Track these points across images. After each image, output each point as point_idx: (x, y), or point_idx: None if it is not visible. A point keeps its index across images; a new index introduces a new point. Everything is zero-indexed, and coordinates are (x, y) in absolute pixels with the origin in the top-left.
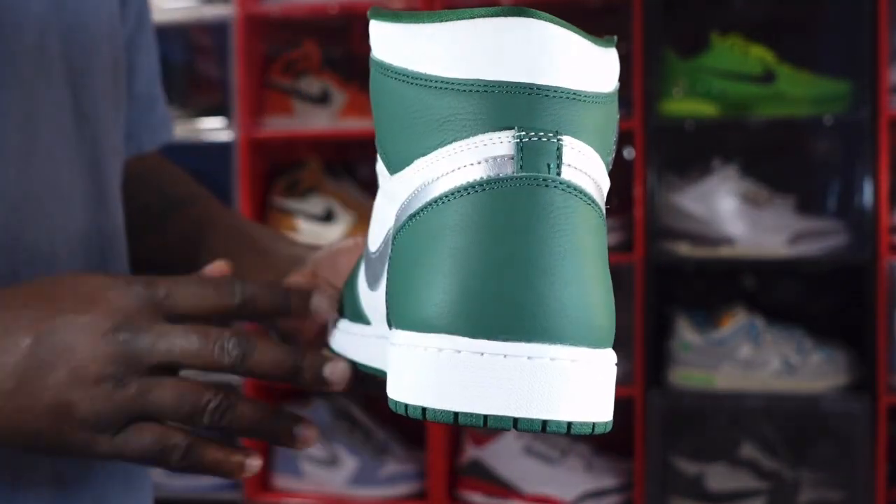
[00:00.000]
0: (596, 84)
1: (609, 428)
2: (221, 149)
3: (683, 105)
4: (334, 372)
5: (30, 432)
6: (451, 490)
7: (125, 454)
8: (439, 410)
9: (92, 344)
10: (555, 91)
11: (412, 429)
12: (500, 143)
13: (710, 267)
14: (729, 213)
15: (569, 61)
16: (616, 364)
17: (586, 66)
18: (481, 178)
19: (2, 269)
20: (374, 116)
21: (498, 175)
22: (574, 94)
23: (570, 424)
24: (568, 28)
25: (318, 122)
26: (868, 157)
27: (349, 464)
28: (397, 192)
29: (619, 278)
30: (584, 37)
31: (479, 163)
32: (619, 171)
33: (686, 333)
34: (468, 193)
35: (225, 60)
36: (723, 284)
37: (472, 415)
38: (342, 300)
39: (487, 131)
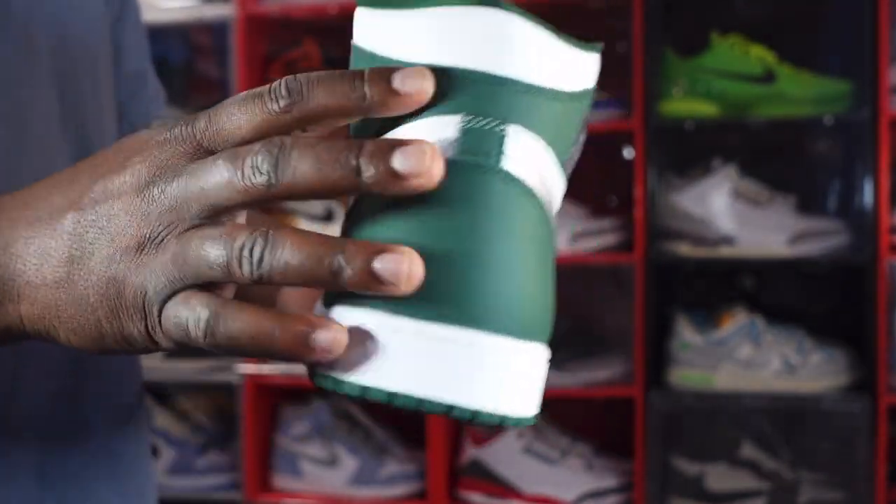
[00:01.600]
0: (557, 81)
1: (525, 423)
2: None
3: (683, 105)
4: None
5: (92, 328)
6: (451, 490)
7: (166, 337)
8: (347, 383)
9: (129, 205)
10: (508, 82)
11: (412, 429)
12: (447, 127)
13: (710, 267)
14: (729, 213)
15: (527, 54)
16: (547, 361)
17: (548, 62)
18: None
19: None
20: None
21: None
22: (527, 87)
23: (475, 413)
24: (536, 23)
25: None
26: (868, 157)
27: (349, 464)
28: None
29: (620, 278)
30: (557, 36)
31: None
32: (619, 171)
33: (686, 333)
34: None
35: (225, 60)
36: (723, 284)
37: (376, 390)
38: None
39: (439, 115)
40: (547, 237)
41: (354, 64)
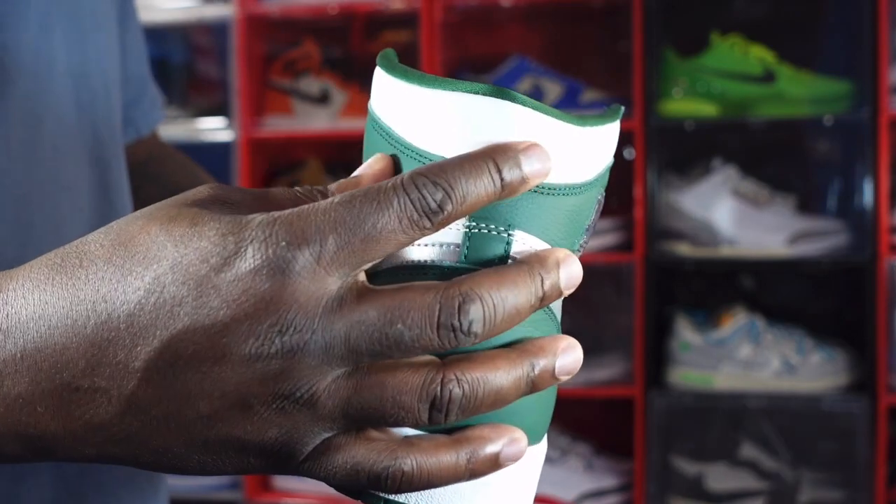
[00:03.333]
0: (565, 175)
1: None
2: (221, 149)
3: (683, 105)
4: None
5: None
6: None
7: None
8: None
9: (234, 369)
10: None
11: None
12: (450, 230)
13: (710, 267)
14: (729, 213)
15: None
16: (541, 453)
17: (556, 156)
18: (428, 260)
19: (10, 264)
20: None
21: (442, 262)
22: (535, 187)
23: None
24: (544, 112)
25: (318, 121)
26: (868, 157)
27: None
28: None
29: (620, 278)
30: (567, 119)
31: (430, 245)
32: (619, 171)
33: (686, 333)
34: (415, 273)
35: (225, 60)
36: (723, 284)
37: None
38: None
39: None
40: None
41: (371, 132)
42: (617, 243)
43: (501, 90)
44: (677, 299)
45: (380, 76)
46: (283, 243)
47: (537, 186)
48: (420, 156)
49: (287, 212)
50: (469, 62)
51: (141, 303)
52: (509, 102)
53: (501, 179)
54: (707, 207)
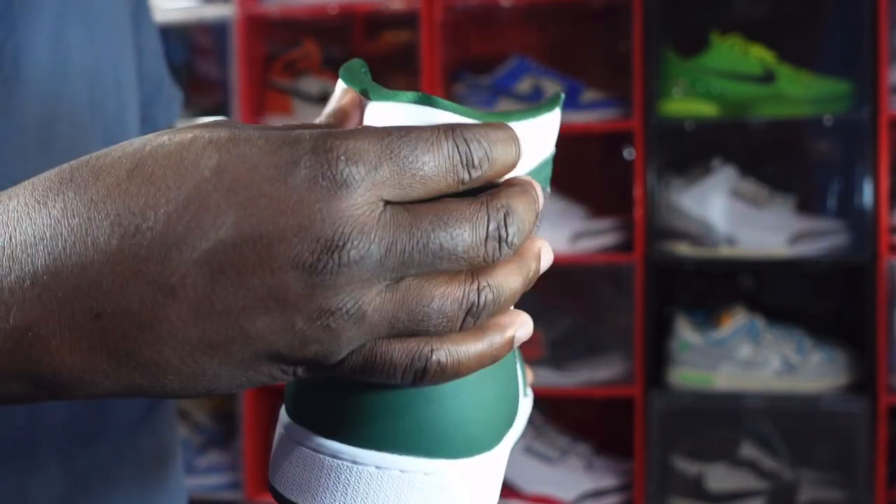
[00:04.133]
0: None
1: None
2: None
3: (683, 105)
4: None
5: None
6: None
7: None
8: (284, 498)
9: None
10: None
11: None
12: None
13: (709, 267)
14: (729, 213)
15: None
16: (494, 463)
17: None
18: None
19: None
20: None
21: None
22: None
23: None
24: (467, 115)
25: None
26: (868, 157)
27: None
28: None
29: (620, 278)
30: (493, 118)
31: None
32: (620, 171)
33: (686, 333)
34: None
35: (225, 60)
36: (723, 284)
37: None
38: None
39: None
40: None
41: None
42: (617, 243)
43: (427, 97)
44: (677, 299)
45: (339, 86)
46: (343, 157)
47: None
48: None
49: (342, 130)
50: (469, 62)
51: (179, 212)
52: (431, 108)
53: (518, 151)
54: (707, 207)
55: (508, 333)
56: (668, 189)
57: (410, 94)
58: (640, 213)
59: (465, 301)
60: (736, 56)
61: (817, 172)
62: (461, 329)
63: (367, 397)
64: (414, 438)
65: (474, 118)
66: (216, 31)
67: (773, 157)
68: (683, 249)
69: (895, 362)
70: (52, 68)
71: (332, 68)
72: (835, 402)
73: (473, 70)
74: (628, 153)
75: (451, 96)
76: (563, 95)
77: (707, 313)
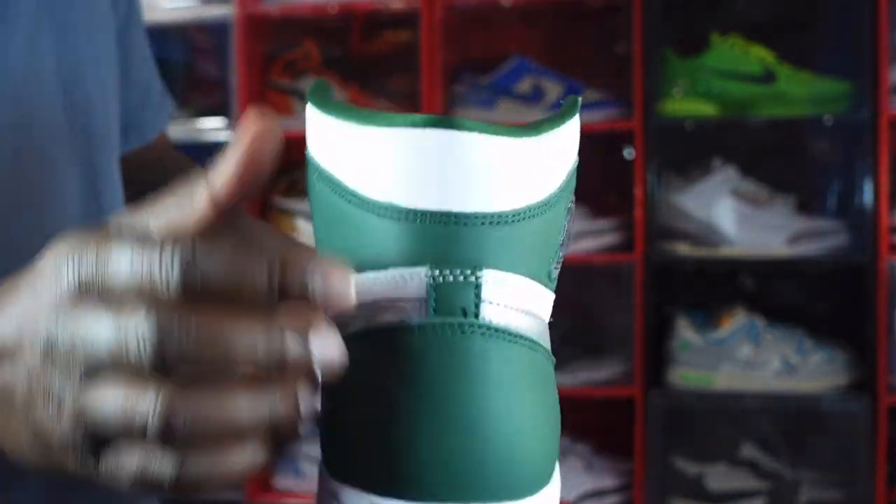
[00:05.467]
0: (527, 195)
1: None
2: (221, 149)
3: (683, 105)
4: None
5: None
6: None
7: (117, 482)
8: None
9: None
10: (472, 218)
11: None
12: (412, 282)
13: (710, 267)
14: (729, 213)
15: (490, 178)
16: (556, 495)
17: (514, 177)
18: (391, 322)
19: None
20: (310, 210)
21: (410, 322)
22: (497, 217)
23: None
24: (494, 133)
25: None
26: (868, 157)
27: None
28: None
29: (619, 278)
30: (520, 134)
31: (385, 303)
32: (619, 171)
33: (686, 333)
34: (378, 338)
35: (225, 60)
36: (723, 284)
37: None
38: None
39: (402, 266)
40: (543, 377)
41: (314, 182)
42: (617, 243)
43: (442, 119)
44: (677, 299)
45: (312, 114)
46: None
47: (500, 214)
48: (376, 207)
49: None
50: (469, 62)
51: None
52: (455, 131)
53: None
54: (707, 207)
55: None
56: (668, 189)
57: (421, 117)
58: (640, 213)
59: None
60: (736, 56)
61: (817, 172)
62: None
63: (418, 443)
64: (477, 483)
65: (500, 135)
66: (216, 31)
67: (773, 157)
68: (683, 249)
69: (895, 362)
70: (26, 74)
71: (331, 68)
72: (835, 402)
73: (473, 70)
74: (628, 153)
75: (451, 96)
76: (580, 100)
77: (707, 313)
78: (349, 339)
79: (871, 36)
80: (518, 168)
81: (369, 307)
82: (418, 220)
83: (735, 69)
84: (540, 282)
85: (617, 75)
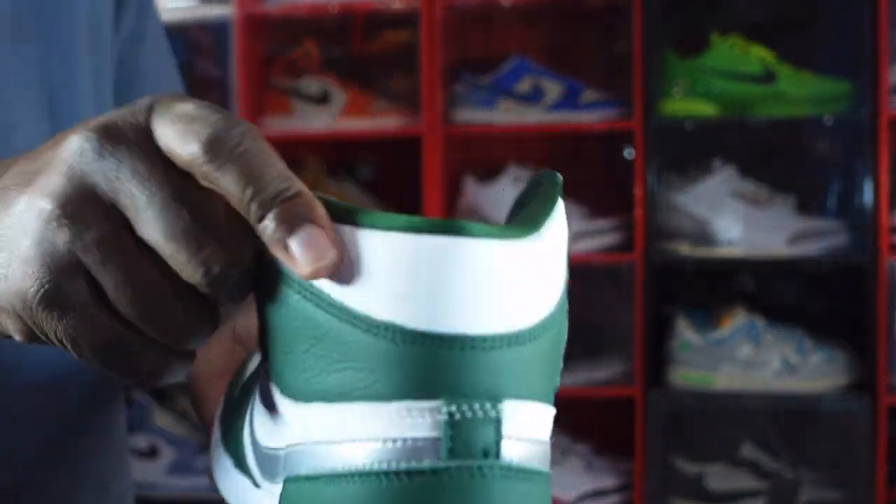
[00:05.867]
0: (539, 308)
1: None
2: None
3: (683, 105)
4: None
5: None
6: None
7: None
8: None
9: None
10: (489, 341)
11: None
12: (422, 420)
13: (710, 267)
14: (729, 213)
15: (503, 292)
16: None
17: (527, 286)
18: (392, 466)
19: None
20: (262, 319)
21: (418, 465)
22: (515, 338)
23: None
24: (502, 236)
25: (318, 122)
26: (868, 157)
27: None
28: (290, 420)
29: (619, 278)
30: (522, 233)
31: (391, 442)
32: (619, 172)
33: (686, 333)
34: (373, 482)
35: (225, 60)
36: (723, 284)
37: None
38: (223, 417)
39: (404, 398)
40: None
41: (281, 290)
42: (617, 243)
43: (446, 223)
44: (677, 299)
45: None
46: None
47: (515, 336)
48: (372, 325)
49: None
50: (469, 62)
51: None
52: (462, 238)
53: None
54: (707, 207)
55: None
56: (668, 189)
57: (421, 220)
58: (640, 213)
59: None
60: (736, 56)
61: (817, 172)
62: None
63: None
64: None
65: (504, 238)
66: (216, 31)
67: (774, 157)
68: (683, 249)
69: (895, 362)
70: (5, 79)
71: (331, 68)
72: (835, 402)
73: (473, 70)
74: (628, 153)
75: (451, 96)
76: (559, 177)
77: (707, 313)
78: (347, 482)
79: (871, 36)
80: (529, 275)
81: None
82: (425, 344)
83: (735, 69)
84: (548, 402)
85: (617, 75)
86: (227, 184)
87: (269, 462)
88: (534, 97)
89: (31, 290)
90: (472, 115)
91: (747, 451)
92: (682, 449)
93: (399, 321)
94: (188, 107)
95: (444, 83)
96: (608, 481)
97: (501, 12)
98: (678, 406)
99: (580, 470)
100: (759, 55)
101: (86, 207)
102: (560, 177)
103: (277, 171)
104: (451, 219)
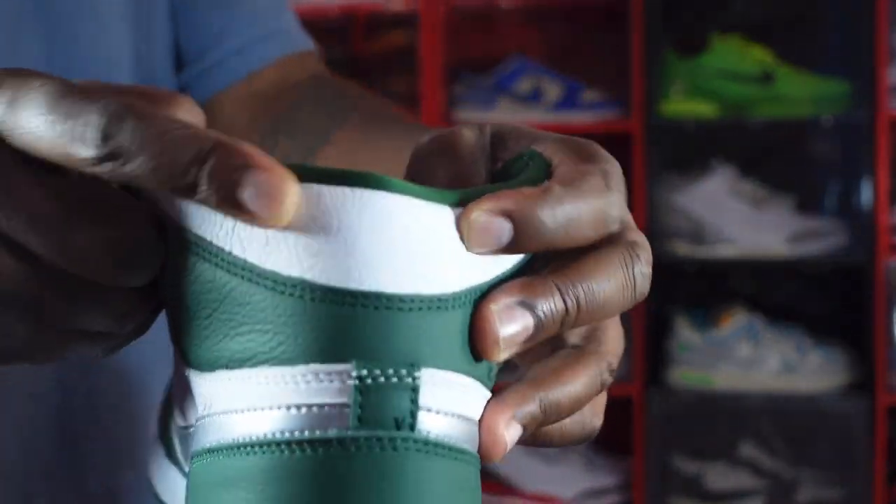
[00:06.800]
0: (470, 275)
1: None
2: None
3: (683, 105)
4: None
5: None
6: None
7: None
8: None
9: None
10: (409, 301)
11: None
12: (330, 384)
13: (709, 267)
14: (728, 212)
15: (430, 254)
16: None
17: (458, 251)
18: (295, 435)
19: None
20: (165, 290)
21: (323, 434)
22: (437, 300)
23: None
24: (434, 199)
25: None
26: (867, 158)
27: None
28: (198, 393)
29: None
30: (466, 197)
31: (296, 409)
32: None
33: (685, 333)
34: (274, 453)
35: None
36: (722, 284)
37: None
38: (162, 405)
39: (312, 361)
40: (478, 493)
41: (179, 254)
42: None
43: (367, 176)
44: (677, 299)
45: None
46: None
47: (439, 298)
48: (279, 281)
49: None
50: (469, 62)
51: None
52: (387, 193)
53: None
54: (706, 207)
55: None
56: (668, 189)
57: (337, 170)
58: (639, 213)
59: None
60: (735, 56)
61: (817, 172)
62: None
63: None
64: None
65: (436, 200)
66: None
67: (773, 157)
68: (683, 249)
69: (894, 362)
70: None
71: (331, 68)
72: (834, 401)
73: (473, 70)
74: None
75: (451, 96)
76: (541, 154)
77: (706, 313)
78: (248, 453)
79: (870, 36)
80: (458, 241)
81: (271, 412)
82: (337, 302)
83: (735, 69)
84: (480, 381)
85: (617, 75)
86: (137, 180)
87: (187, 442)
88: (534, 97)
89: None
90: (472, 116)
91: (746, 450)
92: (681, 448)
93: (309, 276)
94: (45, 93)
95: (444, 83)
96: (607, 480)
97: (501, 12)
98: (677, 405)
99: (579, 468)
100: (758, 55)
101: None
102: (541, 154)
103: (180, 135)
104: (370, 172)
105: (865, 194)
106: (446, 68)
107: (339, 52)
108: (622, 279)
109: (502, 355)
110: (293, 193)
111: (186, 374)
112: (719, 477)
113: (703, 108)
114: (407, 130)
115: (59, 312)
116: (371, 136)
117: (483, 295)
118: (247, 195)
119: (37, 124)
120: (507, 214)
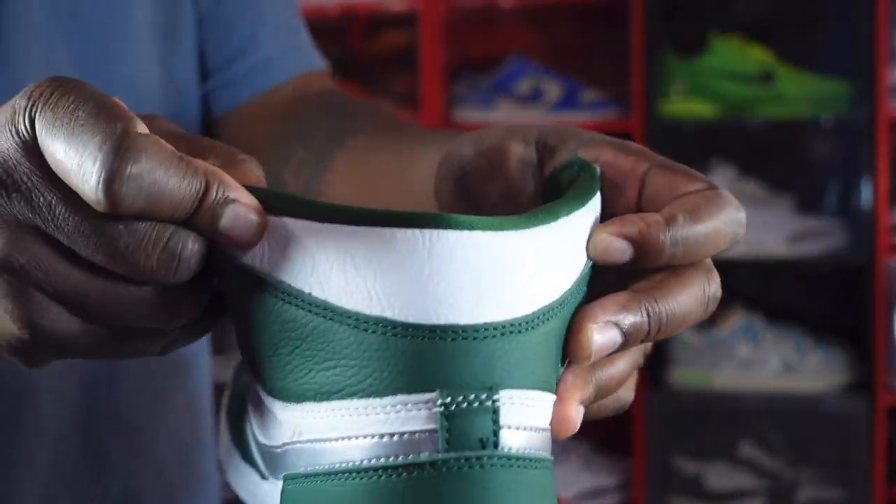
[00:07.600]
0: (540, 297)
1: None
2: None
3: (683, 105)
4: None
5: None
6: None
7: None
8: None
9: None
10: (483, 330)
11: None
12: (417, 413)
13: None
14: None
15: (499, 281)
16: None
17: (526, 276)
18: (390, 461)
19: None
20: (239, 324)
21: (416, 458)
22: (510, 326)
23: None
24: (499, 227)
25: None
26: (867, 158)
27: None
28: (282, 420)
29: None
30: (531, 223)
31: (388, 437)
32: None
33: (685, 333)
34: (371, 478)
35: None
36: (722, 284)
37: None
38: (229, 408)
39: (398, 392)
40: (554, 494)
41: (257, 296)
42: None
43: (433, 217)
44: None
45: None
46: None
47: (511, 323)
48: (360, 320)
49: None
50: (469, 62)
51: None
52: (452, 231)
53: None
54: None
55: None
56: None
57: (406, 214)
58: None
59: None
60: (735, 56)
61: (816, 172)
62: None
63: None
64: None
65: (501, 229)
66: None
67: (773, 157)
68: None
69: (894, 362)
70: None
71: (331, 68)
72: (834, 401)
73: (473, 70)
74: None
75: (451, 96)
76: (598, 171)
77: None
78: (346, 479)
79: (870, 36)
80: (530, 265)
81: (366, 441)
82: (417, 336)
83: (735, 69)
84: (550, 390)
85: (617, 75)
86: (140, 213)
87: (270, 458)
88: (534, 97)
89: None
90: (472, 115)
91: (746, 450)
92: (681, 448)
93: (389, 315)
94: (75, 121)
95: (444, 83)
96: (607, 479)
97: (501, 12)
98: (677, 405)
99: (579, 468)
100: (758, 55)
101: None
102: (598, 170)
103: (176, 184)
104: (437, 213)
105: (865, 194)
106: (446, 68)
107: (338, 52)
108: (700, 302)
109: (588, 363)
110: (254, 213)
111: (263, 398)
112: (719, 477)
113: (703, 108)
114: (420, 135)
115: (104, 309)
116: (384, 141)
117: (577, 308)
118: (223, 229)
119: (154, 179)
120: (630, 238)
